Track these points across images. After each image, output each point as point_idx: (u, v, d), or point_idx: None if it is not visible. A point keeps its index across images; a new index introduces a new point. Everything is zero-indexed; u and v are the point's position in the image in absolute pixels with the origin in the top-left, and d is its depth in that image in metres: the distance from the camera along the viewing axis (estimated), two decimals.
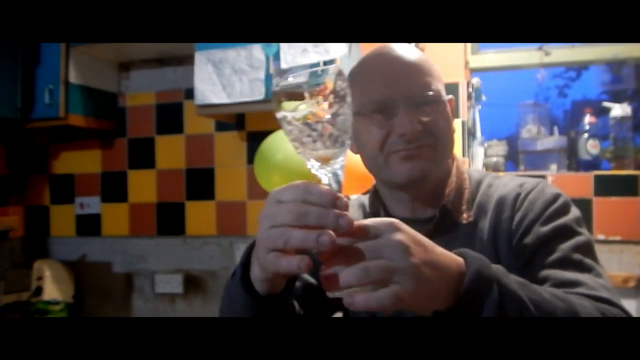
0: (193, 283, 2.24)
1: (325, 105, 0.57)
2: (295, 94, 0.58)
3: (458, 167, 0.93)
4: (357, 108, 0.86)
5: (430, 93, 0.85)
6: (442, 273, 0.56)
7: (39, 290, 2.23)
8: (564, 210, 0.83)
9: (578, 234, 0.81)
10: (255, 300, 0.65)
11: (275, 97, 0.60)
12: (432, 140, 0.85)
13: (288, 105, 0.59)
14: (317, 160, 0.58)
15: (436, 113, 0.85)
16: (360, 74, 0.90)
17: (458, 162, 0.94)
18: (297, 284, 0.88)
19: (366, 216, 0.96)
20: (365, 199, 1.00)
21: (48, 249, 2.47)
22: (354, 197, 1.06)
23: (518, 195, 0.86)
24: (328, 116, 0.57)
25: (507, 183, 0.90)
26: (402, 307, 0.52)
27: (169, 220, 2.30)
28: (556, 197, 0.84)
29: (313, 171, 0.60)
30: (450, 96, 0.92)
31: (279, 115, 0.60)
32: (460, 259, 0.60)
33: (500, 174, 0.95)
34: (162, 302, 2.28)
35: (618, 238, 1.72)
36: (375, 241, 0.53)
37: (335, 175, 0.59)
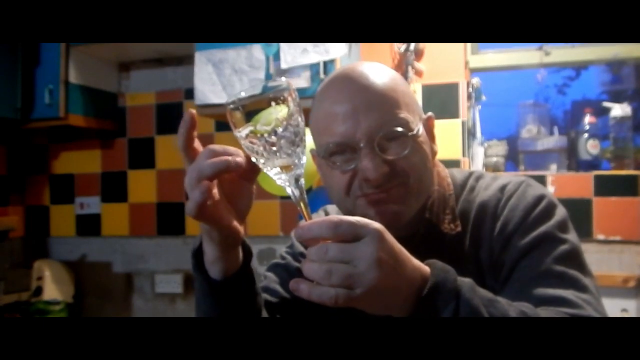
0: (193, 283, 2.24)
1: (294, 113, 0.62)
2: (258, 104, 0.62)
3: (439, 174, 0.85)
4: (317, 149, 0.80)
5: (398, 129, 0.74)
6: (403, 286, 0.58)
7: (39, 290, 2.23)
8: (546, 215, 0.77)
9: (561, 241, 0.74)
10: (211, 285, 0.69)
11: (236, 111, 0.63)
12: (404, 179, 0.75)
13: (255, 120, 0.62)
14: (280, 169, 0.62)
15: (406, 148, 0.74)
16: (318, 107, 0.79)
17: (439, 168, 0.86)
18: (273, 299, 0.86)
19: None
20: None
21: (48, 249, 2.47)
22: (330, 207, 0.98)
23: (499, 201, 0.80)
24: (290, 126, 0.62)
25: (489, 186, 0.83)
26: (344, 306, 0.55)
27: (169, 220, 2.30)
28: (538, 200, 0.78)
29: (277, 180, 0.63)
30: (429, 114, 0.84)
31: (244, 130, 0.63)
32: (426, 271, 0.61)
33: (487, 172, 0.89)
34: (162, 302, 2.28)
35: (618, 238, 1.72)
36: (352, 245, 0.55)
37: (297, 180, 0.62)
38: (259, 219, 2.13)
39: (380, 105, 0.74)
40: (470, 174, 0.87)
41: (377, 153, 0.73)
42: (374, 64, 0.80)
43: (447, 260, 0.67)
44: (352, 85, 0.76)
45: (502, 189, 0.81)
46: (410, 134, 0.75)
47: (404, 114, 0.75)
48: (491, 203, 0.80)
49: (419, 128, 0.77)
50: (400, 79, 0.81)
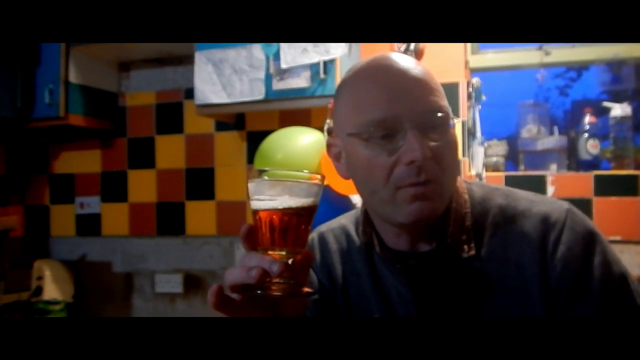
0: (193, 283, 2.24)
1: None
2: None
3: (457, 190, 0.81)
4: (353, 129, 0.75)
5: (440, 114, 0.73)
6: None
7: (39, 290, 2.23)
8: (606, 254, 0.74)
9: (629, 291, 0.73)
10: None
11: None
12: (440, 173, 0.73)
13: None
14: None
15: (446, 136, 0.74)
16: (355, 87, 0.77)
17: (456, 184, 0.82)
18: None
19: (354, 245, 0.89)
20: (350, 225, 0.91)
21: (48, 249, 2.47)
22: (334, 223, 0.94)
23: (544, 233, 0.75)
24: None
25: (526, 213, 0.78)
26: None
27: (169, 220, 2.30)
28: (593, 237, 0.75)
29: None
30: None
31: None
32: None
33: (516, 190, 0.84)
34: (162, 302, 2.28)
35: (618, 238, 1.72)
36: None
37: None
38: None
39: (426, 90, 0.73)
40: (493, 192, 0.83)
41: (422, 135, 0.71)
42: (402, 55, 0.79)
43: (464, 283, 0.70)
44: (394, 68, 0.75)
45: (544, 220, 0.76)
46: (450, 123, 0.74)
47: (444, 102, 0.75)
48: (534, 234, 0.76)
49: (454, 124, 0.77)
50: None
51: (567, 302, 0.73)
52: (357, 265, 0.87)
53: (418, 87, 0.73)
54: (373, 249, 0.84)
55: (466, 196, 0.82)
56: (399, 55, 0.77)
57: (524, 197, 0.81)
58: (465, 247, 0.77)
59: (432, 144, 0.72)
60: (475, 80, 1.90)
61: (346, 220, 0.93)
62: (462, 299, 0.77)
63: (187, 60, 2.18)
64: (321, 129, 1.71)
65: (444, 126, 0.74)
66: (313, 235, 0.94)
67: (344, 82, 0.80)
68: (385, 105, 0.72)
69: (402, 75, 0.74)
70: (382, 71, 0.75)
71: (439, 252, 0.78)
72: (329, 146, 0.83)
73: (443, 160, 0.73)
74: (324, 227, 0.95)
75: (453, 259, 0.78)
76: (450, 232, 0.78)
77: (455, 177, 0.79)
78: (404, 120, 0.71)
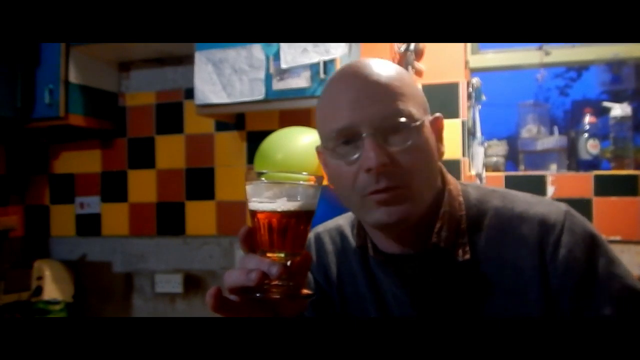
0: (193, 283, 2.24)
1: None
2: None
3: (450, 192, 0.80)
4: (323, 141, 0.78)
5: (402, 119, 0.72)
6: None
7: (39, 290, 2.23)
8: (608, 256, 0.74)
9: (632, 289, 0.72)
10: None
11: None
12: (405, 177, 0.72)
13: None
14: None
15: (409, 139, 0.73)
16: (323, 98, 0.79)
17: (450, 187, 0.81)
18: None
19: (349, 246, 0.89)
20: (346, 226, 0.92)
21: (48, 249, 2.47)
22: (330, 223, 0.95)
23: (543, 235, 0.75)
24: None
25: (523, 215, 0.77)
26: None
27: (169, 220, 2.30)
28: (594, 239, 0.75)
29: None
30: (438, 114, 0.81)
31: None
32: None
33: (513, 191, 0.84)
34: (162, 302, 2.28)
35: (618, 238, 1.72)
36: None
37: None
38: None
39: (385, 95, 0.73)
40: (489, 194, 0.82)
41: (379, 143, 0.72)
42: (380, 59, 0.79)
43: (459, 285, 0.70)
44: (357, 76, 0.75)
45: (542, 223, 0.76)
46: (413, 124, 0.73)
47: (407, 106, 0.74)
48: (532, 237, 0.76)
49: (423, 121, 0.76)
50: (406, 73, 0.80)
51: (572, 305, 0.72)
52: (353, 265, 0.87)
53: (378, 93, 0.73)
54: (367, 251, 0.84)
55: (461, 199, 0.81)
56: (369, 62, 0.77)
57: (521, 199, 0.80)
58: (460, 250, 0.77)
59: (394, 149, 0.72)
60: (475, 80, 1.91)
61: (343, 221, 0.93)
62: (457, 302, 0.77)
63: (187, 60, 2.18)
64: None
65: (408, 130, 0.73)
66: (309, 236, 0.94)
67: (322, 92, 0.81)
68: (343, 115, 0.73)
69: (363, 82, 0.74)
70: (346, 81, 0.76)
71: (432, 255, 0.78)
72: (318, 153, 0.84)
73: (408, 164, 0.72)
74: (320, 228, 0.95)
75: (448, 262, 0.77)
76: (445, 235, 0.77)
77: (430, 179, 0.77)
78: (361, 128, 0.72)
